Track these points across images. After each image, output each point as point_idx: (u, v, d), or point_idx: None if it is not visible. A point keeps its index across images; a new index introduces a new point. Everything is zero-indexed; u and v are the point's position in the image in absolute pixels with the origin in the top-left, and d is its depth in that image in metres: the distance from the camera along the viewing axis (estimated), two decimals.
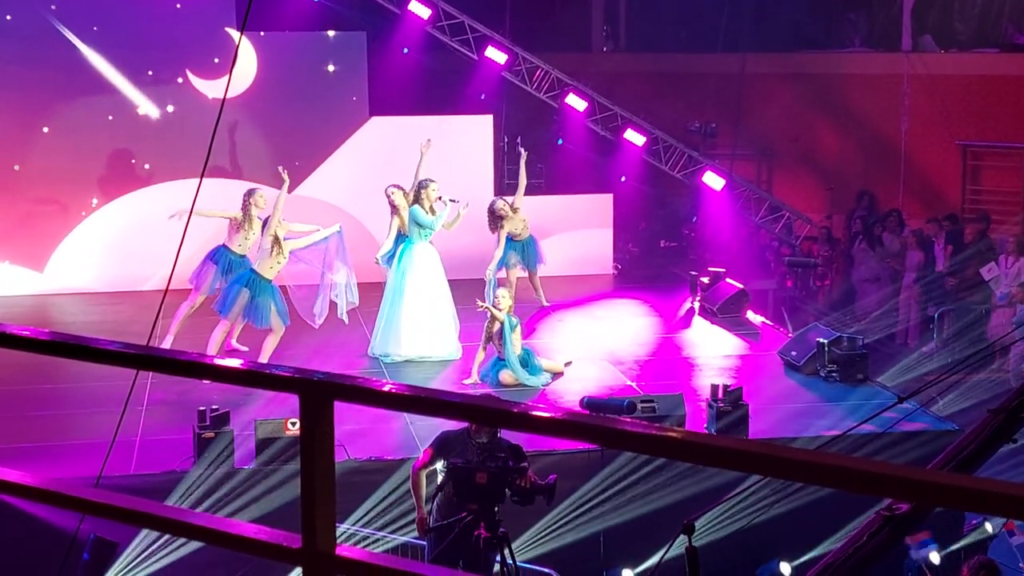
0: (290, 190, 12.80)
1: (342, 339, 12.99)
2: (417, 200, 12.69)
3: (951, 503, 1.80)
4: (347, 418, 9.71)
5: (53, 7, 16.02)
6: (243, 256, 12.57)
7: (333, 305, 12.44)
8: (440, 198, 12.70)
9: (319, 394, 2.19)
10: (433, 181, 12.74)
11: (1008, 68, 18.30)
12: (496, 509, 7.93)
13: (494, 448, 8.02)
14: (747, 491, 8.67)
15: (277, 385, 2.28)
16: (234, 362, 2.40)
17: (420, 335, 12.67)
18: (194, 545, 8.66)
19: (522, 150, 14.75)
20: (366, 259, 13.23)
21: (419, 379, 11.99)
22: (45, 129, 16.22)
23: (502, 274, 14.24)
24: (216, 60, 16.29)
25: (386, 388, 2.19)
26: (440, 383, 11.94)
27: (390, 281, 12.89)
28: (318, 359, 12.39)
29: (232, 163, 16.51)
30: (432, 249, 12.83)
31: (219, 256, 12.66)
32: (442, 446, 8.32)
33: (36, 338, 2.50)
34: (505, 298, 11.89)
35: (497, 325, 11.79)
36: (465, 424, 8.10)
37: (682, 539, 5.80)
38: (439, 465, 8.27)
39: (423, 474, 8.36)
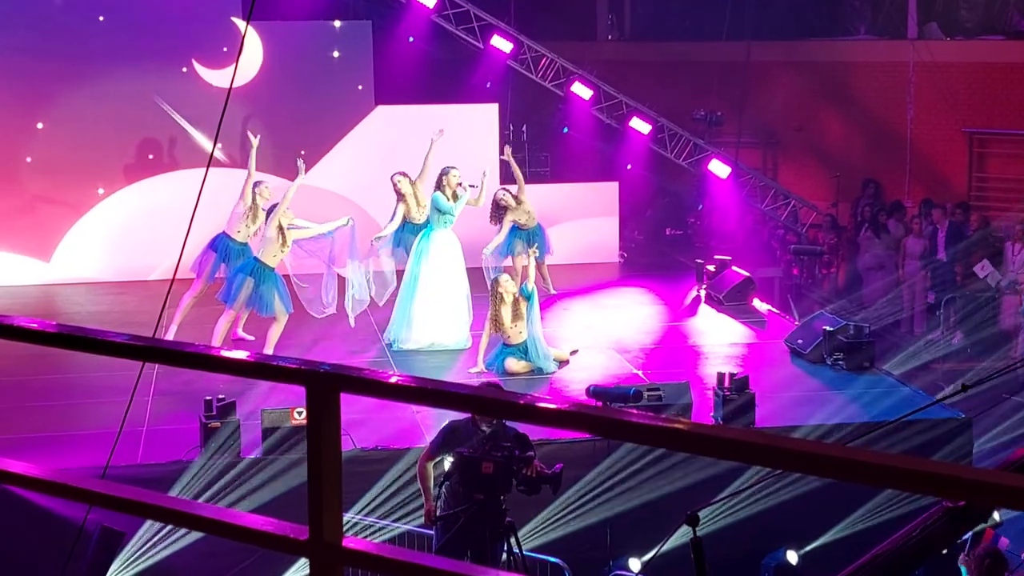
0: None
1: (348, 328, 12.98)
2: (439, 187, 12.69)
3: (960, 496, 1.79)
4: (353, 407, 9.71)
5: None
6: (244, 244, 12.60)
7: (341, 296, 12.48)
8: (461, 184, 12.71)
9: (325, 386, 2.18)
10: (454, 168, 12.75)
11: (1014, 55, 18.25)
12: (503, 498, 7.94)
13: (500, 437, 8.02)
14: (755, 481, 8.66)
15: (284, 377, 2.28)
16: (241, 354, 2.40)
17: (431, 323, 12.67)
18: (201, 534, 8.67)
19: (507, 147, 14.82)
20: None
21: (427, 368, 11.99)
22: (47, 123, 16.22)
23: (508, 262, 14.26)
24: (225, 49, 16.28)
25: (392, 379, 2.19)
26: (448, 372, 11.94)
27: (408, 268, 12.92)
28: (323, 348, 12.40)
29: (238, 153, 16.50)
30: (452, 236, 12.82)
31: (219, 244, 12.68)
32: (449, 436, 8.32)
33: (43, 330, 2.50)
34: (508, 282, 11.88)
35: (506, 310, 11.76)
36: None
37: (686, 530, 5.74)
38: (446, 455, 8.27)
39: (430, 465, 8.36)
